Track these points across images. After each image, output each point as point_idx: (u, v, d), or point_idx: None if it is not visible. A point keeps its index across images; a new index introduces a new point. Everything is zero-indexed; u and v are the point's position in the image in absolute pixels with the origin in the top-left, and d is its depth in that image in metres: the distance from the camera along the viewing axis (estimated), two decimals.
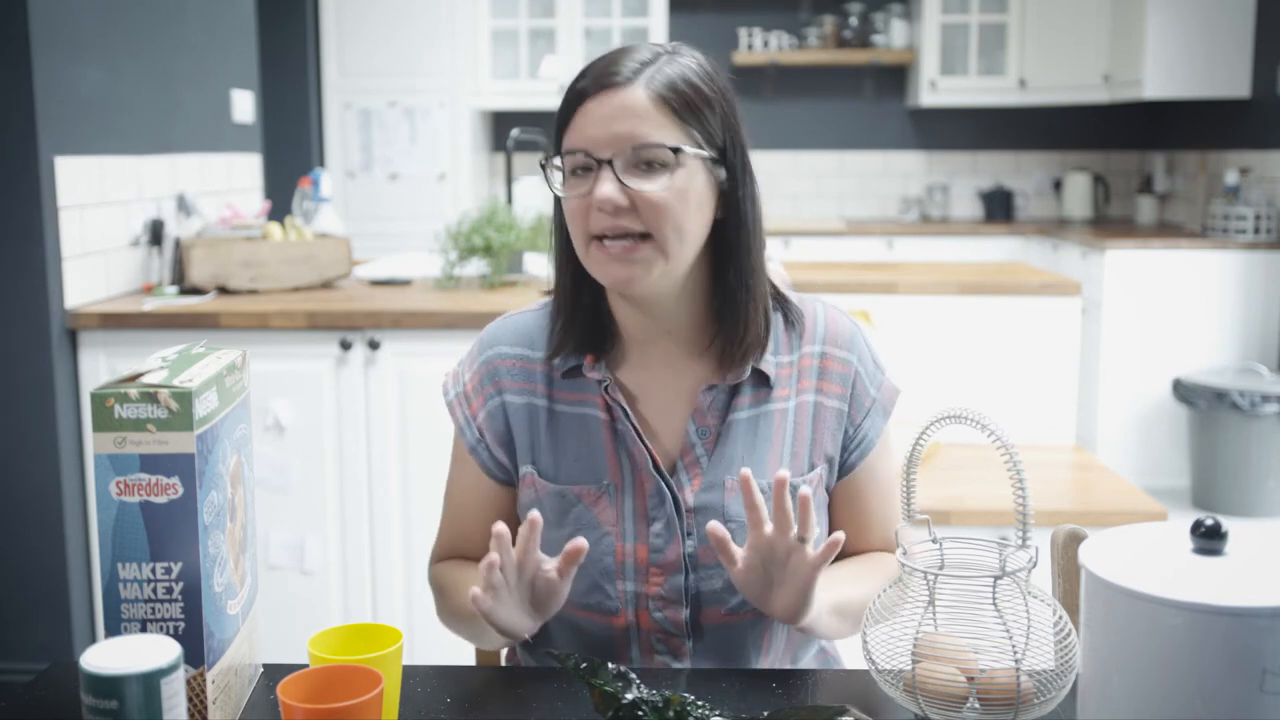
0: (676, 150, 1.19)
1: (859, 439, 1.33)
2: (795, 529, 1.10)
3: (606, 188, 1.18)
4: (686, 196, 1.20)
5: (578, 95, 1.21)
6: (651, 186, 1.19)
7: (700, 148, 1.21)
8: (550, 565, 1.14)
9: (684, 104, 1.21)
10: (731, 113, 1.25)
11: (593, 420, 1.29)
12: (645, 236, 1.20)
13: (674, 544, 1.26)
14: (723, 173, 1.24)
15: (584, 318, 1.30)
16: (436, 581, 1.37)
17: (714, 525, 1.11)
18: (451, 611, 1.33)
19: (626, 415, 1.27)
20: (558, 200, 1.29)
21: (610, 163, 1.19)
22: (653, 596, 1.27)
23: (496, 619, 1.13)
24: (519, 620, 1.15)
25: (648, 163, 1.19)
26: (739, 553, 1.13)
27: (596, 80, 1.21)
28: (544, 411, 1.31)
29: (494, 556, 1.09)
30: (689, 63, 1.23)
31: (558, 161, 1.23)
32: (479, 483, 1.35)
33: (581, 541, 1.12)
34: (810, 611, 1.14)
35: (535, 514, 1.12)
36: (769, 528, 1.11)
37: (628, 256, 1.20)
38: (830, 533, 1.33)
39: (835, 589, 1.22)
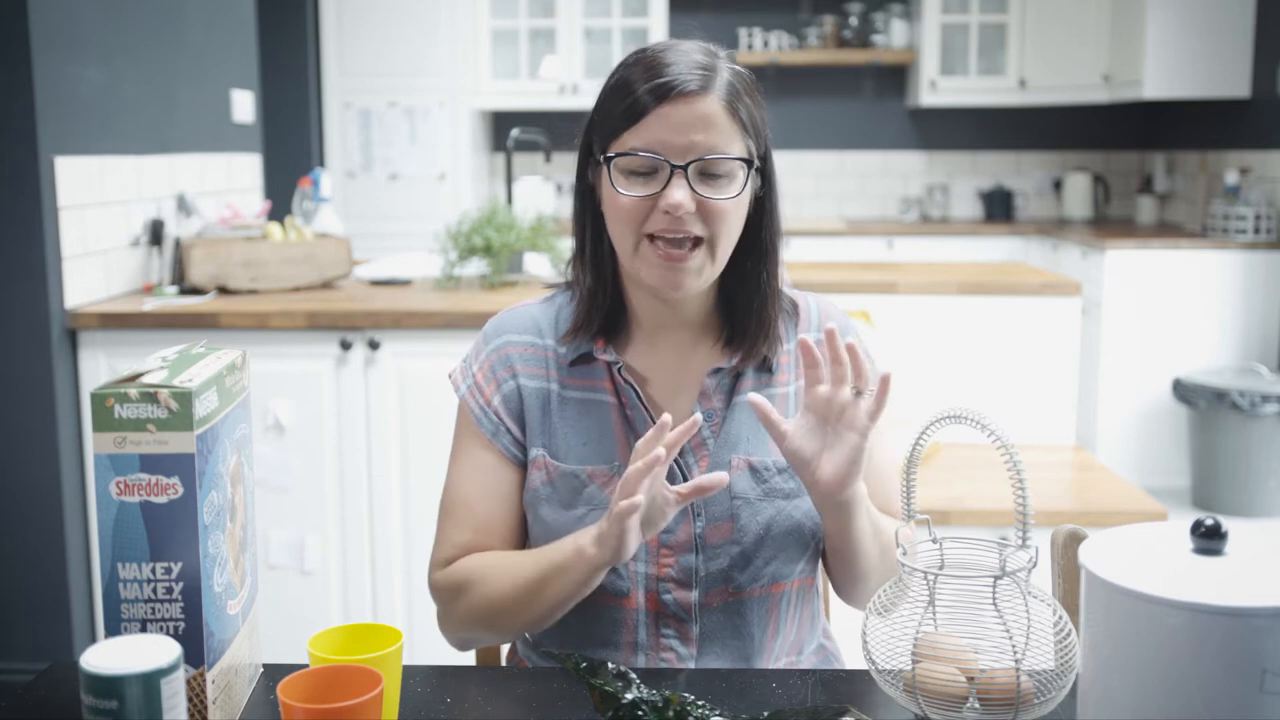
0: (749, 163, 1.24)
1: None
2: (851, 381, 1.15)
3: (680, 194, 1.21)
4: (741, 204, 1.26)
5: (649, 98, 1.21)
6: (721, 195, 1.23)
7: (754, 158, 1.26)
8: (670, 488, 1.16)
9: (747, 114, 1.25)
10: (766, 119, 1.29)
11: (603, 404, 1.32)
12: (698, 241, 1.23)
13: (684, 525, 1.28)
14: (759, 179, 1.29)
15: (606, 305, 1.33)
16: (452, 580, 1.31)
17: (754, 396, 1.18)
18: (484, 601, 1.27)
19: (638, 396, 1.29)
20: (584, 197, 1.31)
21: (685, 170, 1.21)
22: (663, 578, 1.28)
23: (628, 533, 1.14)
24: (633, 539, 1.16)
25: (712, 171, 1.23)
26: (784, 421, 1.18)
27: (669, 86, 1.21)
28: (555, 396, 1.33)
29: (660, 451, 1.11)
30: (736, 68, 1.27)
31: (619, 161, 1.23)
32: (499, 470, 1.34)
33: (722, 476, 1.14)
34: (856, 481, 1.17)
35: (666, 416, 1.13)
36: (825, 386, 1.16)
37: (681, 264, 1.23)
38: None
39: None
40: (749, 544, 1.28)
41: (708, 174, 1.23)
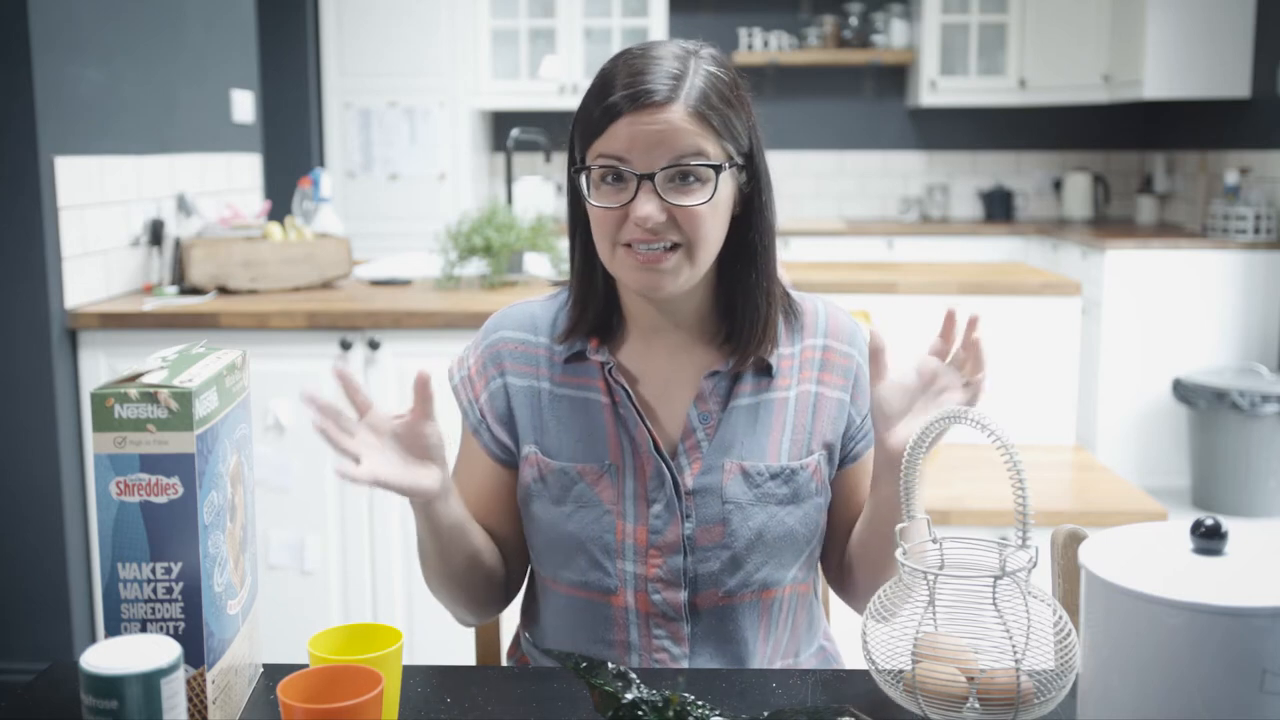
0: (718, 168, 1.21)
1: (865, 429, 1.36)
2: (966, 368, 1.24)
3: (648, 206, 1.20)
4: (719, 207, 1.23)
5: (614, 109, 1.20)
6: (691, 201, 1.21)
7: (733, 158, 1.24)
8: (398, 413, 1.19)
9: (719, 116, 1.22)
10: (751, 114, 1.27)
11: (594, 403, 1.32)
12: (675, 246, 1.22)
13: (673, 525, 1.28)
14: (744, 175, 1.27)
15: (597, 306, 1.33)
16: None
17: (875, 332, 1.23)
18: (419, 559, 1.36)
19: (629, 396, 1.29)
20: (574, 195, 1.30)
21: (652, 179, 1.20)
22: (651, 578, 1.28)
23: (386, 478, 1.16)
24: (414, 473, 1.18)
25: (683, 175, 1.21)
26: (892, 365, 1.22)
27: (634, 97, 1.20)
28: (546, 394, 1.33)
29: (323, 399, 1.15)
30: (715, 69, 1.24)
31: (590, 170, 1.23)
32: (481, 464, 1.37)
33: (425, 373, 1.17)
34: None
35: (340, 368, 1.18)
36: (953, 355, 1.24)
37: (657, 265, 1.22)
38: (829, 518, 1.35)
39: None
40: (740, 549, 1.28)
41: (677, 181, 1.21)
